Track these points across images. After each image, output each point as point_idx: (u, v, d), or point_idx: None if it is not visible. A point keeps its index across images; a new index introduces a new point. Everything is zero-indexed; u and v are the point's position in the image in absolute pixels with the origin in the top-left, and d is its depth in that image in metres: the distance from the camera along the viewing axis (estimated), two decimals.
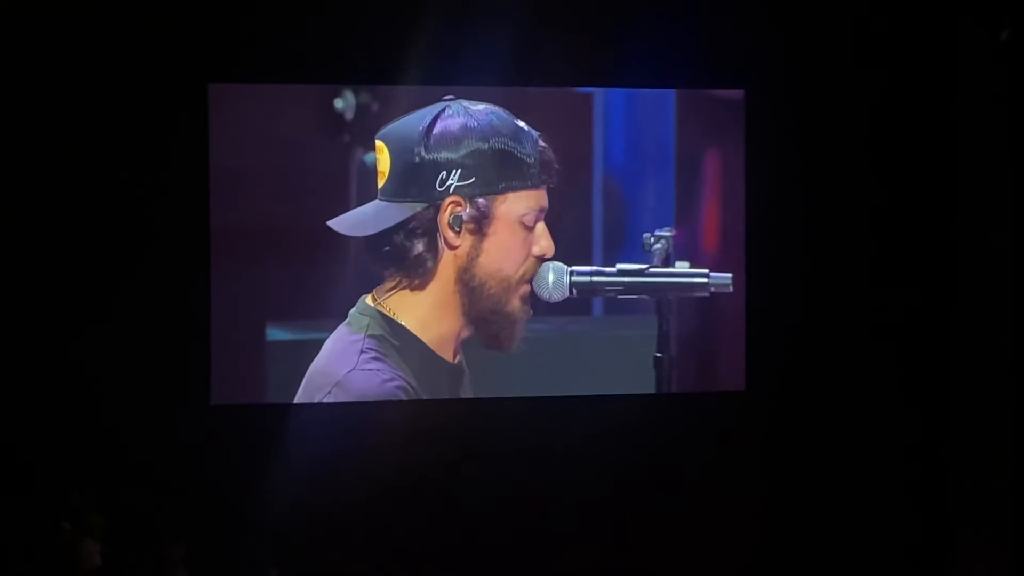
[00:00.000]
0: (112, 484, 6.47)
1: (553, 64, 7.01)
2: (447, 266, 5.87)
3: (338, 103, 6.79)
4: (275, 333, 6.75)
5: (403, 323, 5.83)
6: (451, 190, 5.76)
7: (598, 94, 7.13)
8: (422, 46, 6.81)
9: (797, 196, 7.35)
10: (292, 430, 6.66)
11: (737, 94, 7.24)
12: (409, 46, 6.81)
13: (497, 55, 6.85)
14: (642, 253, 6.03)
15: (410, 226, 5.79)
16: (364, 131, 6.41)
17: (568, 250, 6.06)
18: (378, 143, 5.81)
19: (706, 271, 6.03)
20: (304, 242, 6.51)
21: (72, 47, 6.62)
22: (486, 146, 5.76)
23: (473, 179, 5.76)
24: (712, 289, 6.03)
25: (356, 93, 6.80)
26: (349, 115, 6.79)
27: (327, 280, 6.47)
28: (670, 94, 7.18)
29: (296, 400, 6.20)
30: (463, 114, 5.78)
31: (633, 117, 7.18)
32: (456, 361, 5.97)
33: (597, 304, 6.92)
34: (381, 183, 5.81)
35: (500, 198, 5.82)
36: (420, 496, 6.96)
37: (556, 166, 5.87)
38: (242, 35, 6.71)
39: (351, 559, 6.83)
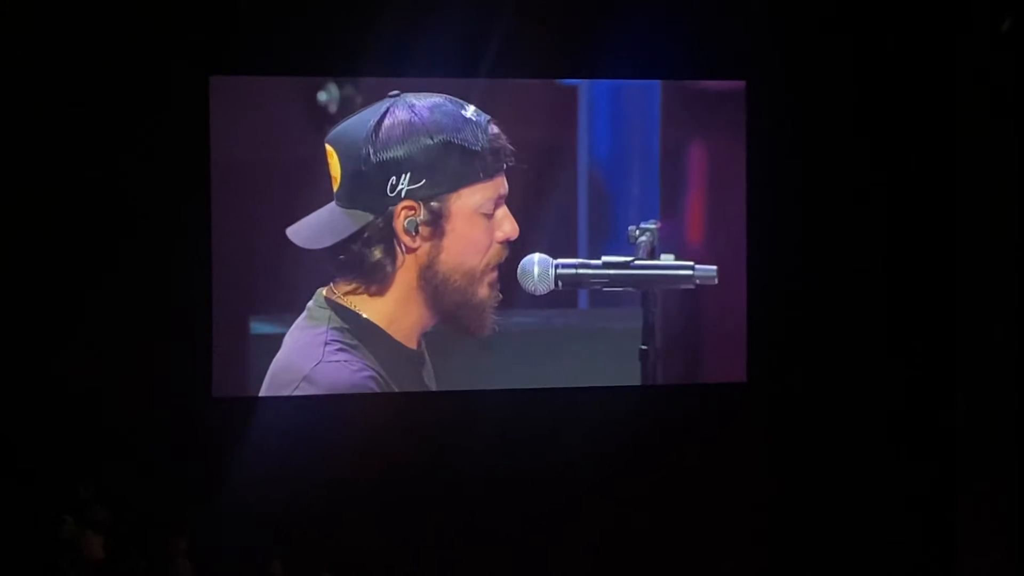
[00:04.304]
0: (115, 478, 6.68)
1: (552, 56, 7.25)
2: (408, 267, 6.11)
3: (321, 96, 6.97)
4: (259, 327, 6.94)
5: (366, 315, 6.07)
6: (403, 195, 5.98)
7: (583, 87, 7.31)
8: (411, 39, 7.03)
9: (797, 187, 7.59)
10: (293, 423, 6.88)
11: (723, 85, 7.45)
12: (399, 39, 7.04)
13: (499, 47, 7.10)
14: (627, 245, 6.30)
15: (365, 235, 6.01)
16: None
17: (553, 242, 6.36)
18: (327, 148, 6.01)
19: (691, 263, 6.28)
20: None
21: (75, 40, 6.88)
22: (432, 142, 5.94)
23: (424, 180, 5.96)
24: (697, 281, 6.27)
25: (340, 86, 6.98)
26: (333, 108, 6.96)
27: (312, 271, 6.54)
28: (655, 87, 7.38)
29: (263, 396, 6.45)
30: (408, 111, 5.98)
31: (618, 110, 7.38)
32: (417, 348, 6.21)
33: (583, 296, 7.11)
34: (335, 188, 6.02)
35: (454, 195, 6.02)
36: (416, 487, 7.20)
37: (511, 148, 6.05)
38: (243, 28, 6.96)
39: (354, 550, 7.03)
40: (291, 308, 6.52)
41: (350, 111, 6.75)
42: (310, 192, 6.64)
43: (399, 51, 7.05)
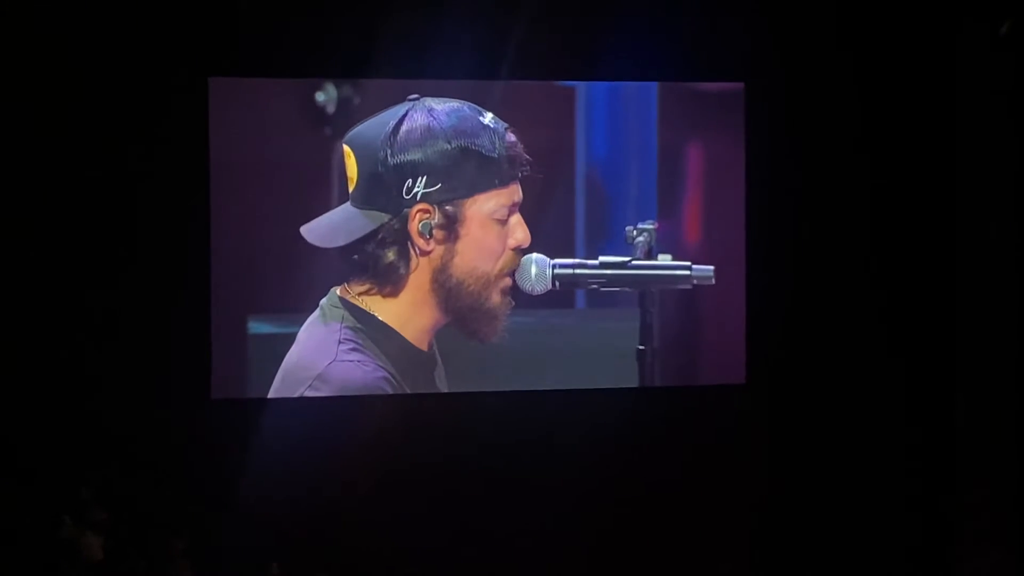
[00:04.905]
0: (114, 479, 6.70)
1: (551, 58, 7.31)
2: (422, 270, 6.13)
3: (319, 96, 7.03)
4: (258, 326, 6.97)
5: (379, 316, 6.10)
6: (418, 197, 6.01)
7: (580, 88, 7.36)
8: (409, 40, 7.10)
9: (797, 188, 7.63)
10: (292, 424, 6.91)
11: (722, 87, 7.49)
12: (397, 40, 7.09)
13: (496, 49, 7.16)
14: (625, 246, 6.31)
15: (379, 236, 6.04)
16: (346, 125, 6.46)
17: (551, 242, 6.35)
18: (345, 148, 6.04)
19: (688, 264, 6.30)
20: (289, 236, 6.58)
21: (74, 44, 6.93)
22: (450, 147, 5.98)
23: (439, 184, 6.00)
24: (694, 282, 6.29)
25: (338, 86, 7.03)
26: (331, 108, 7.02)
27: (312, 272, 6.58)
28: (653, 88, 7.42)
29: (272, 395, 6.45)
30: (426, 115, 6.01)
31: (615, 111, 7.42)
32: (429, 350, 6.24)
33: (580, 296, 7.16)
34: (351, 188, 6.05)
35: (469, 200, 6.06)
36: (415, 489, 7.23)
37: (527, 158, 6.11)
38: (243, 29, 7.00)
39: (351, 552, 7.06)
40: (290, 308, 6.55)
41: (348, 111, 6.90)
42: (310, 192, 6.74)
43: (398, 53, 7.08)
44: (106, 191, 6.98)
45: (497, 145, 6.03)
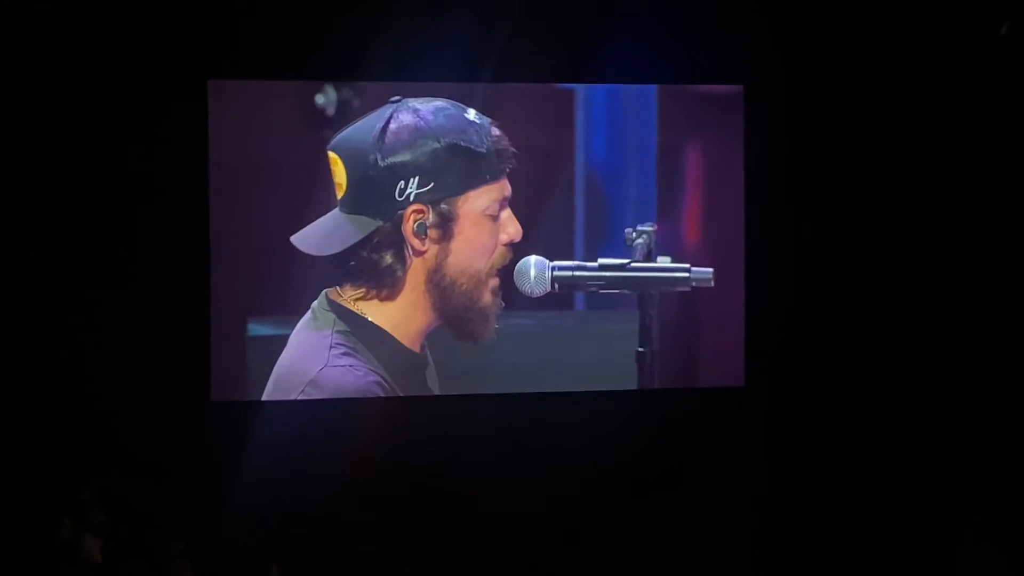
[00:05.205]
0: (113, 480, 6.71)
1: (550, 60, 7.31)
2: (416, 271, 6.16)
3: (319, 98, 7.03)
4: (258, 328, 6.98)
5: (371, 319, 6.12)
6: (411, 198, 6.05)
7: (579, 90, 7.37)
8: (408, 43, 7.10)
9: (796, 191, 7.62)
10: (291, 426, 6.94)
11: (721, 89, 7.49)
12: (397, 43, 7.10)
13: (495, 51, 7.15)
14: (624, 248, 6.32)
15: (374, 240, 6.07)
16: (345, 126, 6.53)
17: (550, 244, 6.40)
18: (331, 155, 6.06)
19: (687, 266, 6.31)
20: (289, 238, 6.57)
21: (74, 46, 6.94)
22: (439, 145, 6.02)
23: (432, 184, 6.04)
24: (693, 284, 6.30)
25: (338, 89, 7.03)
26: (330, 110, 7.02)
27: (312, 274, 6.55)
28: (652, 90, 7.42)
29: (265, 400, 6.49)
30: (412, 115, 6.06)
31: (615, 113, 7.43)
32: (421, 352, 6.26)
33: (579, 299, 7.17)
34: (340, 195, 6.07)
35: (462, 197, 6.09)
36: (416, 491, 7.24)
37: (513, 151, 6.14)
38: (242, 31, 7.01)
39: (349, 554, 7.09)
40: (290, 310, 6.56)
41: (348, 114, 6.87)
42: (309, 194, 6.69)
43: (397, 55, 7.10)
44: (106, 192, 6.99)
45: (484, 140, 6.07)
